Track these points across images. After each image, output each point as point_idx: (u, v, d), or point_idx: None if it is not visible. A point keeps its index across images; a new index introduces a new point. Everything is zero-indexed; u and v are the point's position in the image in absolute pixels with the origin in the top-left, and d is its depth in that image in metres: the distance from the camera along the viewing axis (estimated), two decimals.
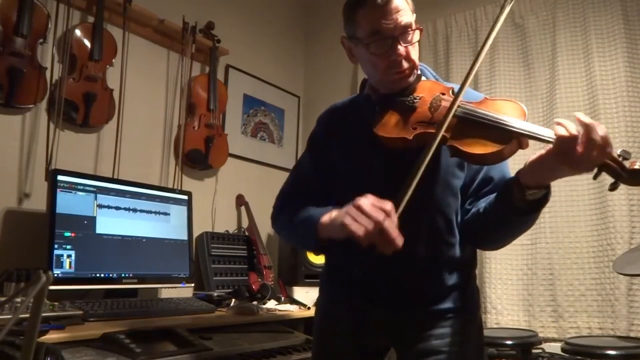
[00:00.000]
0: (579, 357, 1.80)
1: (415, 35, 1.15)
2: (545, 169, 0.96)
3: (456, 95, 1.07)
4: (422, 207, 1.14)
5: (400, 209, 0.98)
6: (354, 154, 1.23)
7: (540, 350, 2.00)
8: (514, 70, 2.60)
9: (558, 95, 2.42)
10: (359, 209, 0.97)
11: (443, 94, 1.13)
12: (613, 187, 0.93)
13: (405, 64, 1.14)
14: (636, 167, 0.90)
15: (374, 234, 0.94)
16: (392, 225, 0.94)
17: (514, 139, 0.99)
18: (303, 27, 3.51)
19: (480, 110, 1.05)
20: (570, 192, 2.34)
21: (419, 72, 1.22)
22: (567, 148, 0.90)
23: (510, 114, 1.03)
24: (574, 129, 0.91)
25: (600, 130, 0.89)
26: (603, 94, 2.32)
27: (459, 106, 1.06)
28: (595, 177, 0.95)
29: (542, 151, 0.95)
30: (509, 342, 1.91)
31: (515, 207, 1.02)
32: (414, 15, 1.16)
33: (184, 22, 2.52)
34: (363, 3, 1.12)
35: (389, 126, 1.13)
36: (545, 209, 2.47)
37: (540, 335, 2.10)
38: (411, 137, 1.08)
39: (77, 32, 2.09)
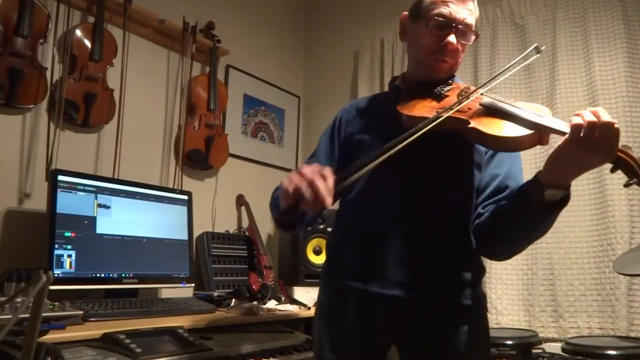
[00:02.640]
0: (579, 357, 1.80)
1: (471, 38, 1.22)
2: (566, 160, 0.96)
3: (484, 83, 1.12)
4: (435, 203, 1.16)
5: (350, 179, 1.00)
6: (374, 139, 1.24)
7: (540, 350, 2.00)
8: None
9: (558, 95, 2.42)
10: (298, 170, 1.01)
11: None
12: (628, 184, 0.97)
13: (450, 55, 1.20)
14: None
15: (304, 190, 0.95)
16: (323, 185, 0.95)
17: (535, 130, 1.02)
18: (303, 27, 3.52)
19: (506, 101, 1.09)
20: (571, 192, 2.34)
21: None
22: (584, 133, 0.91)
23: (535, 109, 1.07)
24: (589, 116, 0.93)
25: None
26: (603, 94, 2.32)
27: (487, 97, 1.10)
28: (612, 170, 0.98)
29: (560, 142, 0.96)
30: (509, 342, 1.91)
31: (533, 206, 1.01)
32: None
33: (184, 22, 2.52)
34: None
35: (414, 110, 1.16)
36: None
37: (541, 335, 2.10)
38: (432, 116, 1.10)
39: (78, 32, 2.09)
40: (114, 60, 2.22)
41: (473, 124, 1.06)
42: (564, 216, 2.34)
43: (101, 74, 2.14)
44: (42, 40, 1.97)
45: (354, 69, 3.21)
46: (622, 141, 2.54)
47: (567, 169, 0.97)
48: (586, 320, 2.23)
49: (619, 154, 0.95)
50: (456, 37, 1.18)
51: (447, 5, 1.19)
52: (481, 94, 1.13)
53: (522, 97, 2.55)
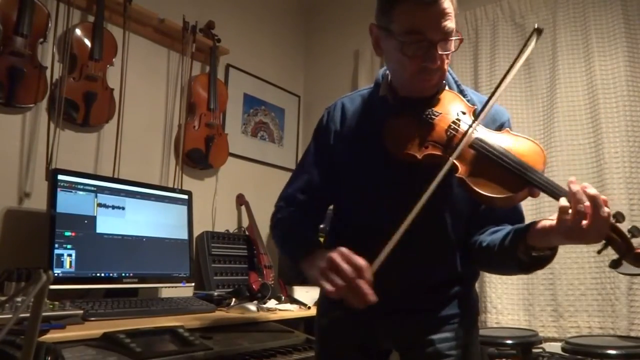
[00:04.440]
0: (579, 357, 1.80)
1: (455, 44, 1.05)
2: (552, 238, 0.94)
3: (468, 128, 1.02)
4: (424, 224, 1.14)
5: (378, 263, 0.94)
6: (360, 158, 1.18)
7: (540, 350, 2.00)
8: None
9: (558, 95, 2.42)
10: (331, 264, 0.94)
11: (464, 113, 1.08)
12: (615, 265, 0.90)
13: (436, 73, 1.07)
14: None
15: (345, 290, 0.93)
16: (363, 283, 0.91)
17: (527, 187, 0.95)
18: (303, 27, 3.51)
19: (500, 149, 1.00)
20: None
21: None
22: (571, 223, 0.87)
23: (529, 157, 0.98)
24: (581, 201, 0.86)
25: (604, 205, 0.87)
26: (603, 94, 2.32)
27: (478, 140, 1.02)
28: (599, 252, 0.93)
29: (548, 222, 0.93)
30: (509, 342, 1.91)
31: (519, 261, 1.00)
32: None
33: (184, 22, 2.52)
34: None
35: (400, 138, 1.07)
36: (547, 208, 2.42)
37: (541, 334, 2.11)
38: (420, 157, 1.04)
39: (78, 32, 2.09)
40: (114, 60, 2.21)
41: (461, 172, 1.00)
42: None
43: (101, 74, 2.13)
44: (42, 40, 1.97)
45: (354, 69, 3.21)
46: (623, 142, 2.53)
47: (553, 241, 0.95)
48: (586, 320, 2.23)
49: (611, 234, 0.89)
50: (438, 52, 1.02)
51: (417, 19, 1.00)
52: (472, 129, 1.03)
53: (522, 97, 2.55)
